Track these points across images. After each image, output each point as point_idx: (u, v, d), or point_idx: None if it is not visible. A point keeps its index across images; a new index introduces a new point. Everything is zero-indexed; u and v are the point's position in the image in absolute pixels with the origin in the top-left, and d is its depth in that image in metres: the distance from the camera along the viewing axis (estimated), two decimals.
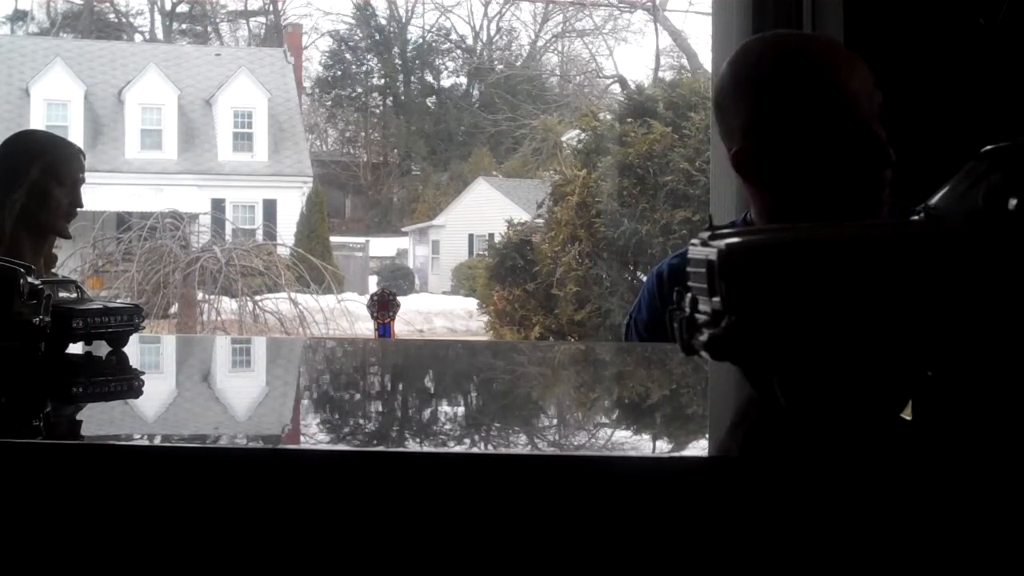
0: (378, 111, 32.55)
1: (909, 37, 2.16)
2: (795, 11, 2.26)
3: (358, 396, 1.03)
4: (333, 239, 21.66)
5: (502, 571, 0.61)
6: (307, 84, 30.74)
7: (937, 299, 0.64)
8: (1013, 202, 0.65)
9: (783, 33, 1.80)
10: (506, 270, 11.71)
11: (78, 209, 2.55)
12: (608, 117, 12.33)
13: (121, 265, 11.00)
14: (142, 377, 1.08)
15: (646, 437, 0.81)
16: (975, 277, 0.65)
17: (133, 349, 1.17)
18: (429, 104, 32.13)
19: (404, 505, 0.61)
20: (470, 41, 32.67)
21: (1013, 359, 0.66)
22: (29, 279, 0.96)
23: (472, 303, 15.29)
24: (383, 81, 32.69)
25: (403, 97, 32.41)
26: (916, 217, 0.73)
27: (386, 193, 30.45)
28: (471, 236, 23.09)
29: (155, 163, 22.01)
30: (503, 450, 0.72)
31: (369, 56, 32.49)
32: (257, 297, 10.86)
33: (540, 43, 31.28)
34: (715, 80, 1.59)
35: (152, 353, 1.36)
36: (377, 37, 32.56)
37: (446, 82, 32.72)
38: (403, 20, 32.64)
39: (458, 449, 0.72)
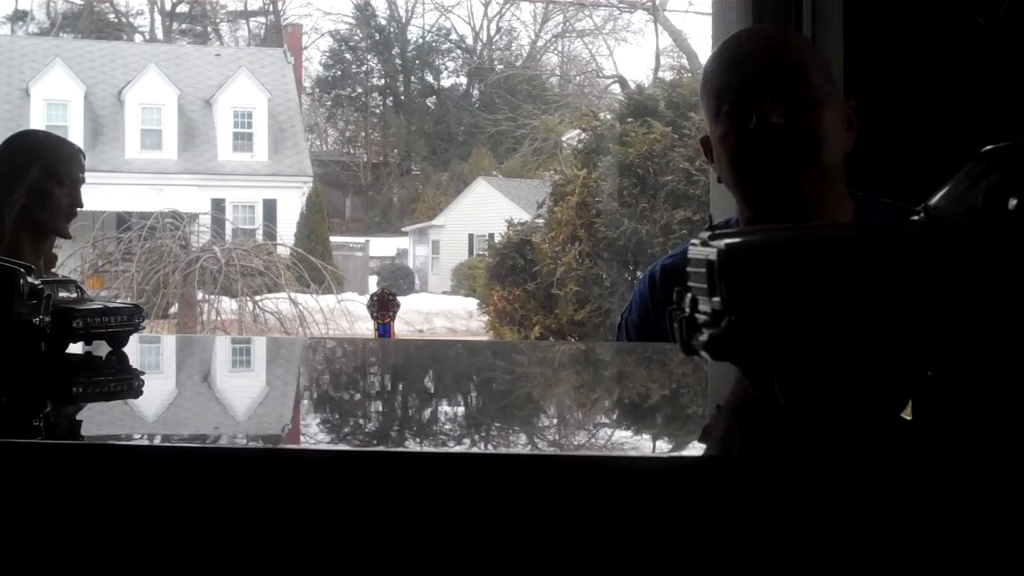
0: (378, 111, 32.58)
1: (909, 37, 2.16)
2: (795, 11, 2.26)
3: (358, 396, 1.03)
4: (333, 239, 21.68)
5: (502, 571, 0.61)
6: (307, 84, 30.78)
7: (937, 299, 0.64)
8: (1013, 202, 0.65)
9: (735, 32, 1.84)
10: (506, 270, 11.71)
11: (78, 209, 2.55)
12: (608, 117, 12.33)
13: (121, 265, 11.00)
14: (142, 377, 1.08)
15: (646, 437, 0.80)
16: (975, 277, 0.65)
17: (133, 349, 1.17)
18: (429, 104, 32.15)
19: (404, 505, 0.61)
20: (470, 41, 32.71)
21: (1013, 359, 0.66)
22: (29, 279, 0.96)
23: (472, 303, 15.30)
24: (383, 81, 32.72)
25: (403, 97, 32.43)
26: (916, 217, 0.73)
27: (386, 193, 30.47)
28: (471, 236, 23.10)
29: (155, 163, 22.03)
30: (503, 450, 0.72)
31: (369, 56, 32.52)
32: (257, 297, 10.86)
33: (540, 43, 31.32)
34: None
35: (152, 353, 1.36)
36: (377, 37, 32.58)
37: (446, 82, 32.76)
38: (403, 20, 32.67)
39: (458, 449, 0.72)
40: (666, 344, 1.09)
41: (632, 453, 0.72)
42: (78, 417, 0.83)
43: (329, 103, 32.19)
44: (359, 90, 32.57)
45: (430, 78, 32.53)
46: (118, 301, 1.16)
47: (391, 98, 32.62)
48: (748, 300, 0.66)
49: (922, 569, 0.59)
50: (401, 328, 3.01)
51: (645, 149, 10.42)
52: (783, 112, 1.47)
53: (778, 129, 1.46)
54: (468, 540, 0.60)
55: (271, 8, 31.89)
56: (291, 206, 21.44)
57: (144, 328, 1.17)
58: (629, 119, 10.96)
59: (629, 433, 0.81)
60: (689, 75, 13.06)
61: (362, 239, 24.14)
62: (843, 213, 1.55)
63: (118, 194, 17.64)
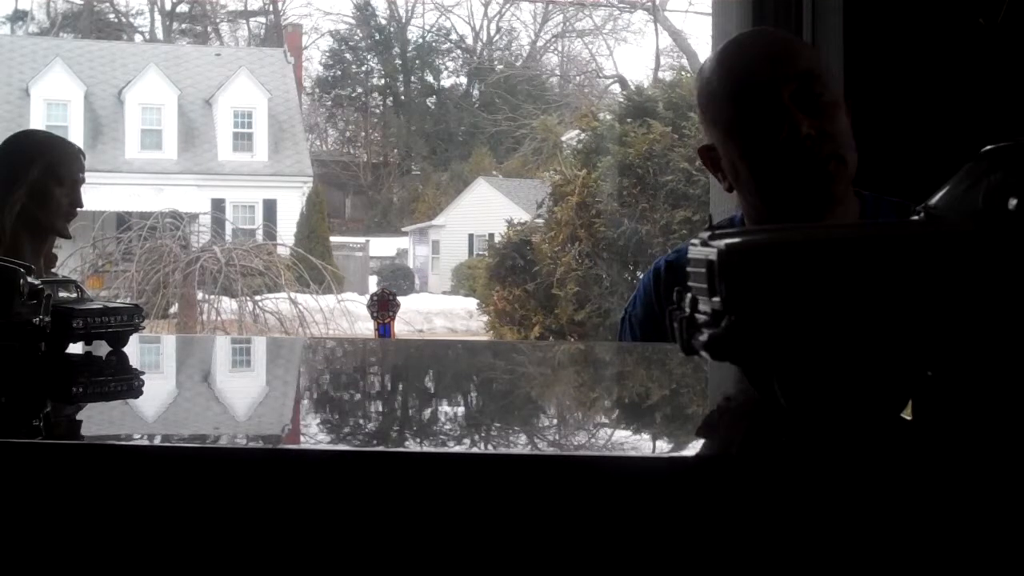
0: (378, 111, 32.57)
1: (909, 37, 2.16)
2: (795, 11, 2.26)
3: (358, 396, 1.03)
4: (333, 239, 21.66)
5: (502, 571, 0.61)
6: (307, 84, 30.76)
7: (937, 299, 0.64)
8: (1013, 202, 0.65)
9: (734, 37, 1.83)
10: (506, 270, 11.70)
11: (78, 209, 2.55)
12: (608, 117, 12.33)
13: (121, 265, 10.99)
14: (142, 377, 1.08)
15: (646, 437, 0.80)
16: (975, 277, 0.65)
17: (133, 349, 1.17)
18: (429, 104, 32.15)
19: (404, 505, 0.61)
20: (470, 41, 32.69)
21: (1013, 359, 0.66)
22: (29, 279, 0.96)
23: (472, 303, 15.30)
24: (383, 81, 32.71)
25: (403, 97, 32.42)
26: (916, 217, 0.73)
27: (386, 193, 30.46)
28: (471, 236, 23.09)
29: (155, 163, 22.01)
30: (503, 450, 0.72)
31: (369, 56, 32.52)
32: (257, 297, 10.85)
33: (540, 43, 31.30)
34: None
35: (152, 353, 1.36)
36: (377, 37, 32.58)
37: (446, 82, 32.74)
38: (403, 20, 32.66)
39: (458, 449, 0.72)
40: (666, 344, 1.09)
41: (632, 453, 0.72)
42: (78, 417, 0.83)
43: (329, 103, 32.18)
44: (359, 90, 32.57)
45: (430, 78, 32.53)
46: (118, 301, 1.16)
47: (391, 98, 32.62)
48: (748, 300, 0.66)
49: (922, 569, 0.59)
50: (401, 328, 3.00)
51: (645, 149, 10.42)
52: (811, 122, 1.47)
53: (809, 139, 1.46)
54: (468, 540, 0.60)
55: (271, 8, 31.89)
56: (291, 206, 21.42)
57: (144, 328, 1.17)
58: (629, 119, 10.96)
59: (629, 433, 0.81)
60: (689, 75, 13.07)
61: (362, 239, 24.12)
62: (851, 211, 1.55)
63: (118, 194, 17.62)
